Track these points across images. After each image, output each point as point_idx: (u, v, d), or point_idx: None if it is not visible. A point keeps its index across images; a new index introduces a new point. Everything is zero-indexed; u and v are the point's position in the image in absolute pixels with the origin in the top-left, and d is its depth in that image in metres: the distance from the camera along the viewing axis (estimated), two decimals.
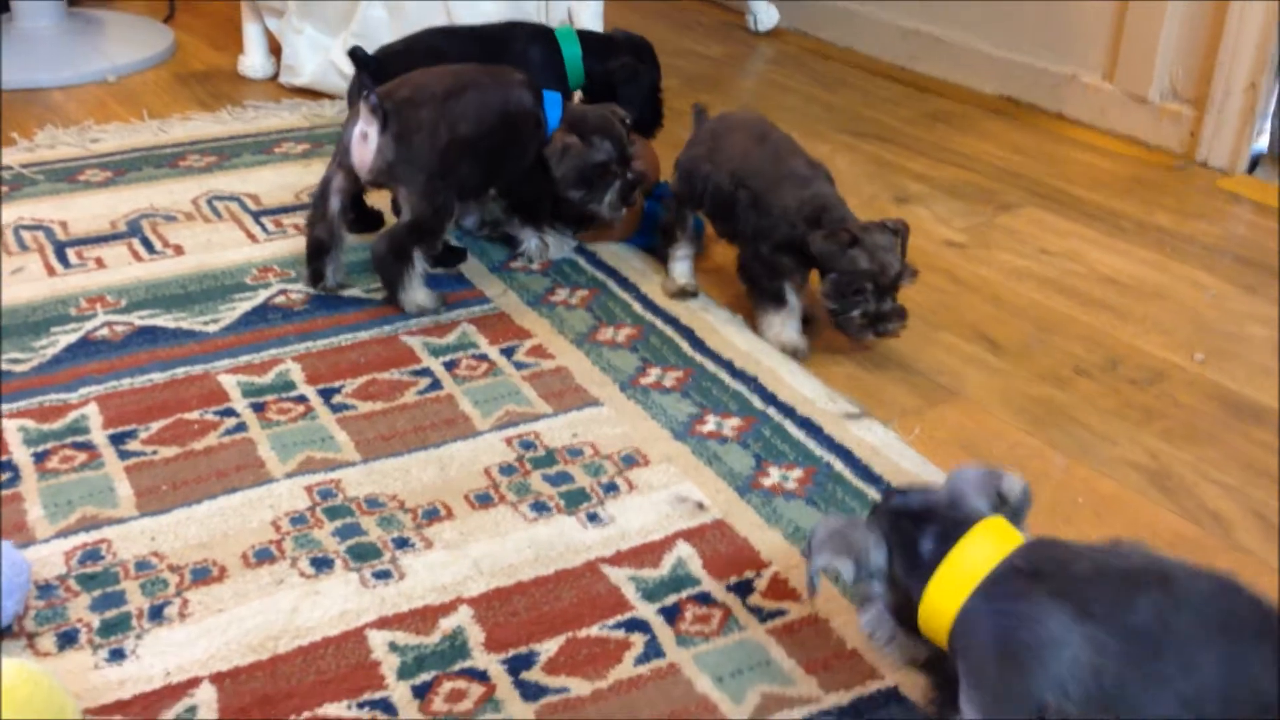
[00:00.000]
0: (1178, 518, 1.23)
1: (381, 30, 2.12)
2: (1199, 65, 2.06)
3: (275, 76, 2.34)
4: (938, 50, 2.49)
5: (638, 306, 1.57)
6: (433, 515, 1.19)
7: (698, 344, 1.49)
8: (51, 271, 1.61)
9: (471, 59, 1.67)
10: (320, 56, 2.23)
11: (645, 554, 1.14)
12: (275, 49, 2.33)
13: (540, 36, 1.79)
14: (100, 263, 1.64)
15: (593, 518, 1.19)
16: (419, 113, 1.50)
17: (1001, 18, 2.36)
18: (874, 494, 1.23)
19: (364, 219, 1.62)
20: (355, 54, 1.63)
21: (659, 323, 1.54)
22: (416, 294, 1.53)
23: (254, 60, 2.35)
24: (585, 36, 1.81)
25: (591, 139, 1.59)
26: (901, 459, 1.29)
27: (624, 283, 1.63)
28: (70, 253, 1.66)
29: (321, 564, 1.11)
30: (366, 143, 1.50)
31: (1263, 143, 2.03)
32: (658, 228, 1.66)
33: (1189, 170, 2.06)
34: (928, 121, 2.28)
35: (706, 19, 2.88)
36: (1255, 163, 2.04)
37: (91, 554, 1.12)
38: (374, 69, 1.63)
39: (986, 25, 2.40)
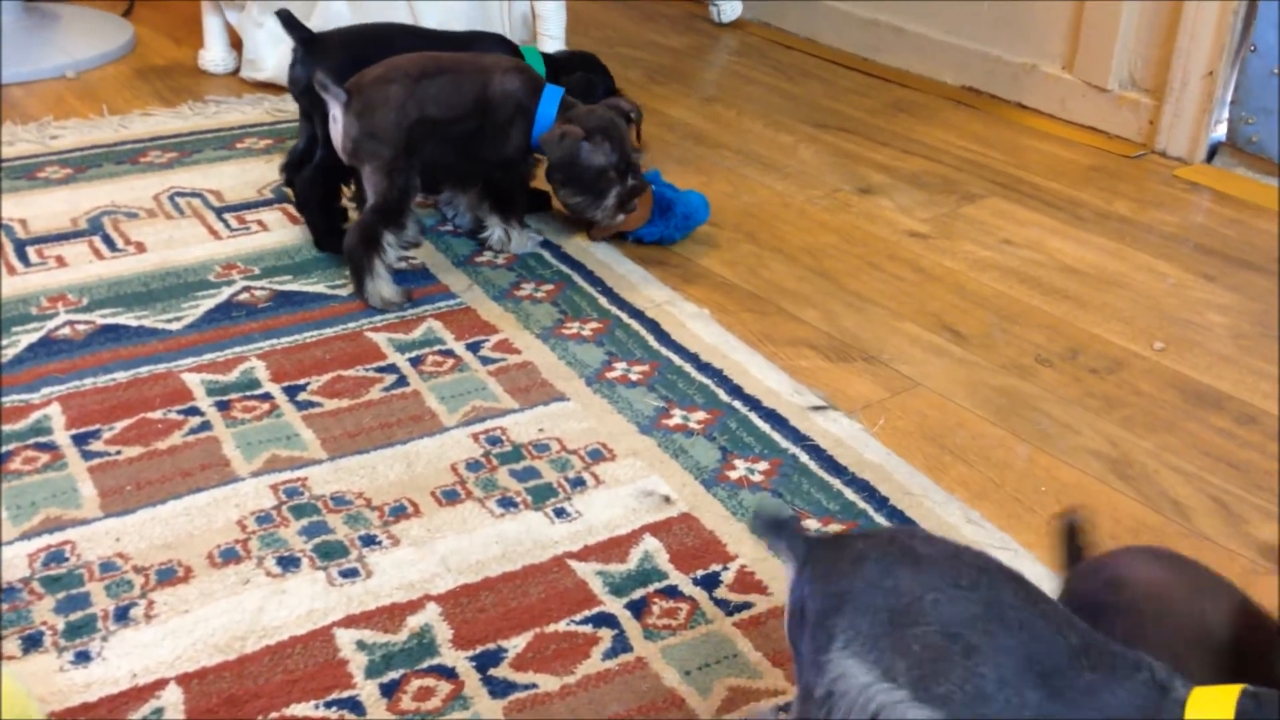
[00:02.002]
0: (1139, 505, 1.24)
1: (342, 25, 2.10)
2: (1157, 54, 2.08)
3: (237, 71, 2.32)
4: (899, 41, 2.50)
5: (603, 300, 1.58)
6: (400, 512, 1.19)
7: (663, 337, 1.50)
8: (12, 270, 1.60)
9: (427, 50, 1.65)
10: (282, 50, 2.21)
11: (612, 548, 1.15)
12: (236, 43, 2.32)
13: (502, 45, 1.77)
14: (61, 261, 1.63)
15: (560, 513, 1.19)
16: (387, 89, 1.50)
17: (962, 8, 2.38)
18: (839, 485, 1.24)
19: (335, 234, 1.62)
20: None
21: (625, 316, 1.54)
22: (382, 287, 1.53)
23: (215, 55, 2.34)
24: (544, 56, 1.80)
25: (594, 138, 1.56)
26: (866, 450, 1.30)
27: (589, 276, 1.63)
28: (30, 251, 1.65)
29: (288, 563, 1.11)
30: (336, 125, 1.52)
31: (1221, 131, 2.06)
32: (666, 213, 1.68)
33: (1148, 159, 2.08)
34: (890, 112, 2.29)
35: (669, 10, 2.88)
36: (1213, 151, 2.06)
37: (55, 556, 1.11)
38: (307, 39, 1.61)
39: (947, 15, 2.41)
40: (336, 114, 1.51)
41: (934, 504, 1.21)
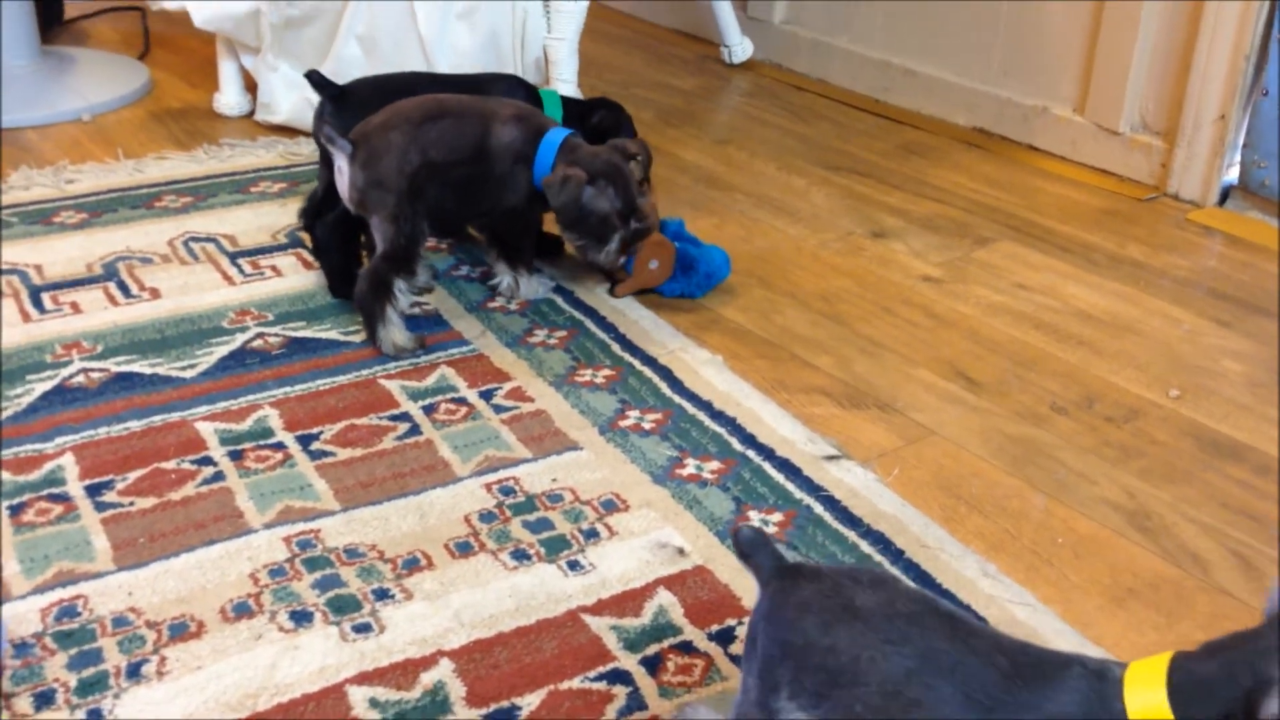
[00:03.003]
0: (1158, 559, 1.23)
1: (356, 68, 2.12)
2: (1169, 98, 2.09)
3: (251, 114, 2.33)
4: (910, 82, 2.51)
5: (616, 347, 1.57)
6: (413, 565, 1.18)
7: (676, 385, 1.49)
8: (26, 317, 1.60)
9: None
10: (296, 94, 2.22)
11: (626, 602, 1.14)
12: (251, 86, 2.33)
13: (521, 88, 1.78)
14: (76, 307, 1.63)
15: (573, 565, 1.19)
16: (389, 136, 1.51)
17: (973, 50, 2.39)
18: (854, 538, 1.23)
19: (351, 281, 1.62)
20: (312, 77, 1.63)
21: (637, 363, 1.54)
22: (395, 334, 1.53)
23: (229, 98, 2.35)
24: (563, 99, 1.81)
25: (597, 183, 1.55)
26: (881, 501, 1.29)
27: (602, 322, 1.63)
28: (45, 297, 1.65)
29: (301, 617, 1.11)
30: (342, 176, 1.52)
31: (1233, 175, 2.06)
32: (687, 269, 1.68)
33: (1160, 202, 2.08)
34: (902, 154, 2.29)
35: (681, 52, 2.90)
36: (1226, 195, 2.06)
37: (68, 610, 1.11)
38: (336, 95, 1.63)
39: (958, 57, 2.42)
40: (342, 165, 1.51)
41: (950, 557, 1.20)
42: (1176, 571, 1.22)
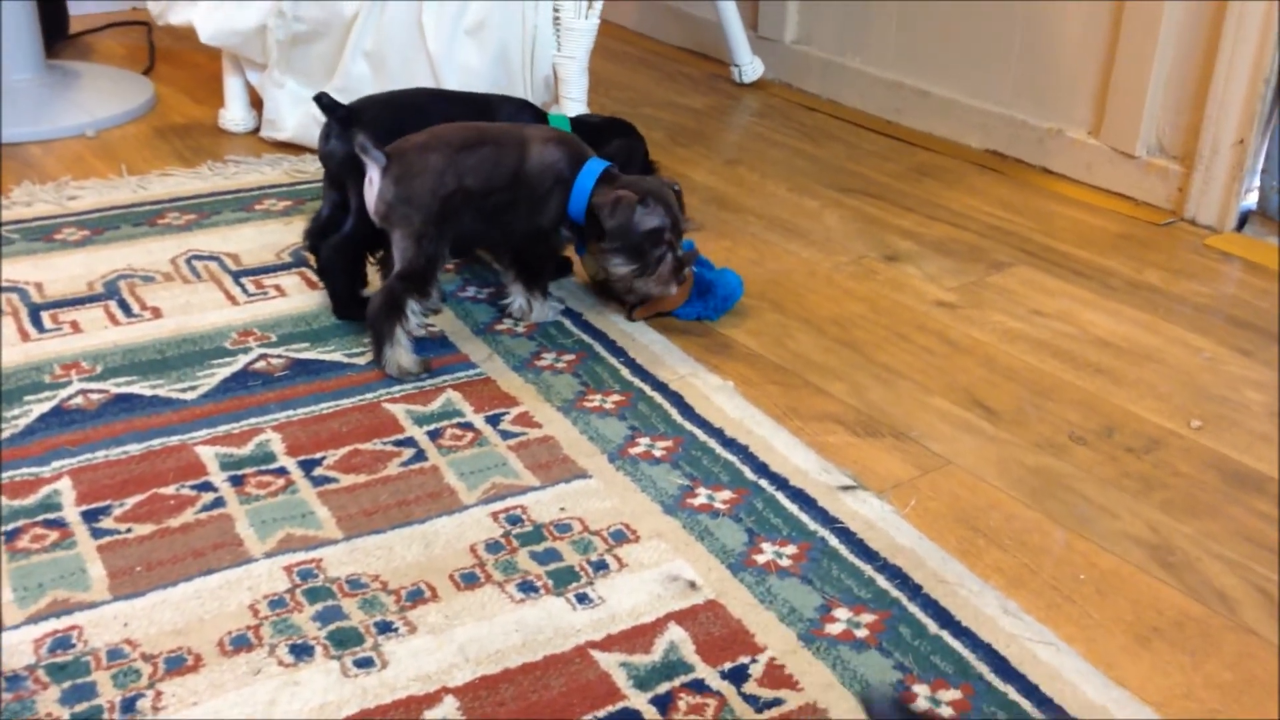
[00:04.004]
0: (1182, 596, 1.20)
1: (364, 85, 2.09)
2: (1186, 121, 2.06)
3: (257, 130, 2.31)
4: (923, 103, 2.48)
5: (626, 372, 1.54)
6: (417, 597, 1.15)
7: (687, 411, 1.46)
8: (26, 336, 1.58)
9: (460, 118, 1.64)
10: (302, 111, 2.20)
11: (636, 637, 1.11)
12: (257, 102, 2.31)
13: (528, 111, 1.76)
14: (76, 326, 1.60)
15: (582, 598, 1.15)
16: (427, 157, 1.49)
17: (986, 71, 2.36)
18: (870, 571, 1.20)
19: (362, 304, 1.60)
20: (321, 99, 1.61)
21: (648, 389, 1.51)
22: (401, 356, 1.50)
23: (235, 114, 2.33)
24: (574, 121, 1.78)
25: (646, 202, 1.52)
26: (897, 534, 1.26)
27: (611, 346, 1.60)
28: (45, 316, 1.63)
29: (301, 651, 1.07)
30: (372, 187, 1.50)
31: (1252, 200, 2.03)
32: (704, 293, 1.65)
33: (1177, 227, 2.05)
34: (915, 176, 2.27)
35: (691, 71, 2.87)
36: (1244, 220, 2.03)
37: (62, 642, 1.08)
38: (344, 116, 1.61)
39: (971, 78, 2.39)
40: (374, 176, 1.49)
41: (969, 593, 1.17)
42: (1201, 610, 1.18)
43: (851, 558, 1.22)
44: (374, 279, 1.65)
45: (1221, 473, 1.39)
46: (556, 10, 2.03)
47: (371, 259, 1.65)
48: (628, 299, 1.66)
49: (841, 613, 1.14)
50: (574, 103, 2.08)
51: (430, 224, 1.49)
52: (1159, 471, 1.39)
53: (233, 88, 2.32)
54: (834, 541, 1.24)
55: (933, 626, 1.13)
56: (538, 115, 1.75)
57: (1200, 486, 1.37)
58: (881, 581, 1.19)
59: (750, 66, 2.76)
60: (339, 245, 1.62)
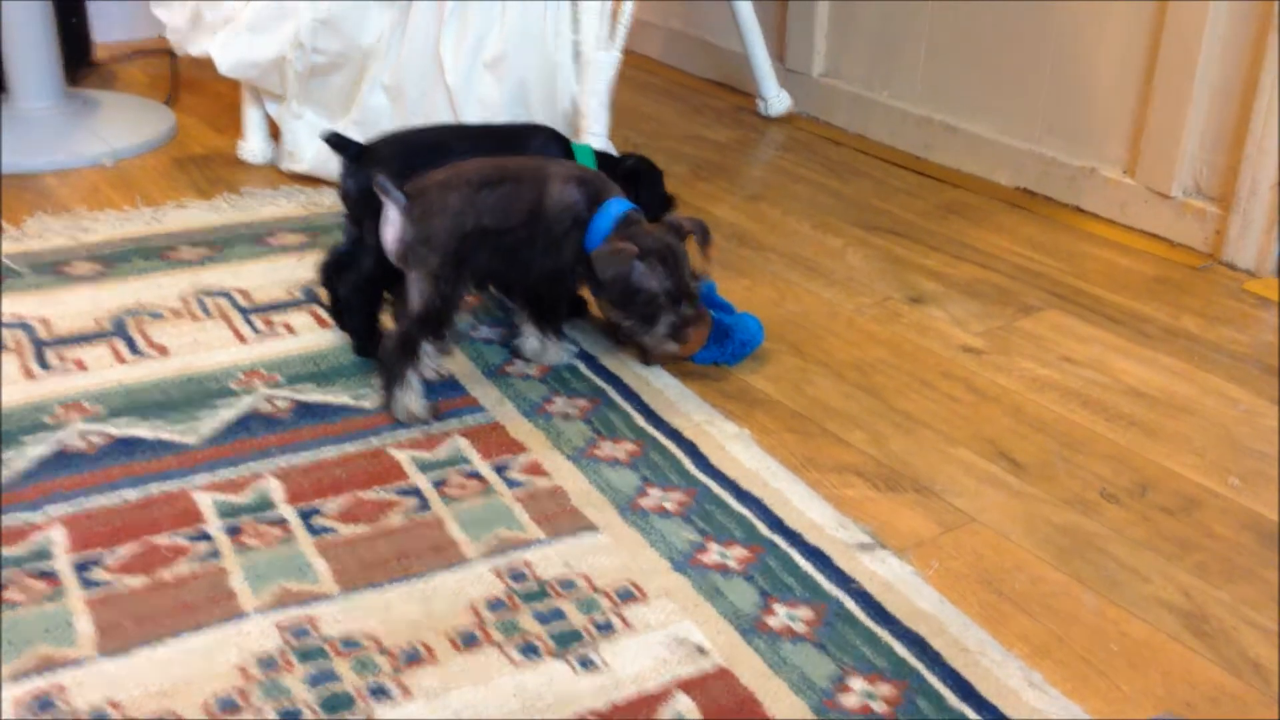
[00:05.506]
0: (1217, 668, 1.14)
1: (382, 118, 2.07)
2: (1224, 162, 2.00)
3: (275, 162, 2.29)
4: (952, 139, 2.43)
5: (639, 419, 1.50)
6: (413, 658, 1.10)
7: (701, 462, 1.41)
8: (29, 374, 1.55)
9: (481, 155, 1.61)
10: (320, 142, 2.17)
11: (641, 707, 1.06)
12: (276, 133, 2.29)
13: (556, 142, 1.72)
14: (80, 365, 1.57)
15: (585, 662, 1.11)
16: (447, 197, 1.45)
17: (1017, 107, 2.31)
18: (887, 638, 1.14)
19: (376, 341, 1.57)
20: (331, 139, 1.58)
21: (661, 437, 1.46)
22: (410, 400, 1.46)
23: (253, 145, 2.31)
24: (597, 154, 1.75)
25: (648, 259, 1.47)
26: (917, 597, 1.20)
27: (625, 391, 1.56)
28: (50, 353, 1.60)
29: (289, 717, 1.03)
30: (391, 227, 1.46)
31: None
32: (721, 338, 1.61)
33: (1214, 270, 1.99)
34: (942, 214, 2.21)
35: (716, 103, 2.83)
36: None
37: (45, 703, 1.04)
38: (356, 153, 1.57)
39: (1002, 114, 2.34)
40: (394, 216, 1.45)
41: (992, 663, 1.11)
42: (1237, 683, 1.12)
43: (868, 622, 1.16)
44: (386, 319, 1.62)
45: (1258, 534, 1.33)
46: (578, 43, 2.00)
47: (389, 296, 1.62)
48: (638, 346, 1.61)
49: (856, 682, 1.09)
50: (596, 138, 2.04)
51: (448, 264, 1.45)
52: (1194, 532, 1.33)
53: (251, 119, 2.30)
54: (850, 604, 1.19)
55: (953, 699, 1.07)
56: (565, 146, 1.72)
57: (1237, 550, 1.30)
58: (900, 649, 1.13)
59: (777, 99, 2.72)
60: (359, 284, 1.58)
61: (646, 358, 1.62)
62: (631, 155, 1.78)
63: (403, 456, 1.40)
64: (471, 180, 1.47)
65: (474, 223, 1.46)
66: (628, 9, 2.03)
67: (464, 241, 1.45)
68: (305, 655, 1.10)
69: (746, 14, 2.63)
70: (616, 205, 1.51)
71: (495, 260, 1.49)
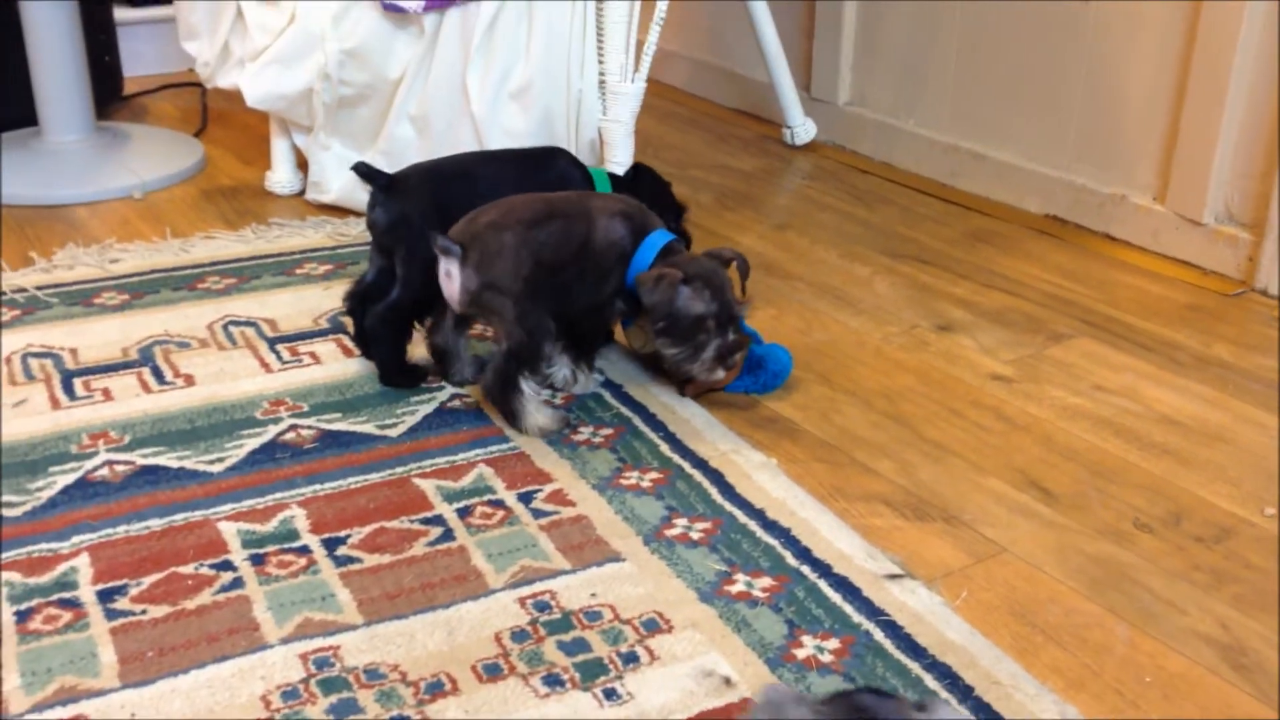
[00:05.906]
0: (1255, 701, 1.11)
1: (409, 149, 2.08)
2: (1256, 188, 1.98)
3: (302, 192, 2.30)
4: (979, 166, 2.42)
5: (665, 447, 1.49)
6: (436, 690, 1.09)
7: (728, 491, 1.40)
8: (56, 404, 1.55)
9: (506, 181, 1.62)
10: (347, 173, 2.18)
11: None
12: (303, 164, 2.30)
13: (576, 166, 1.74)
14: (107, 394, 1.58)
15: (610, 694, 1.09)
16: (502, 237, 1.46)
17: (1046, 134, 2.29)
18: (918, 670, 1.12)
19: (408, 373, 1.60)
20: (359, 169, 1.59)
21: (687, 466, 1.45)
22: (538, 419, 1.49)
23: (281, 176, 2.32)
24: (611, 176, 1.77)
25: (693, 284, 1.47)
26: (947, 628, 1.18)
27: (651, 420, 1.55)
28: (77, 383, 1.60)
29: None
30: (451, 280, 1.47)
31: None
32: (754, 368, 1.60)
33: (1247, 298, 1.97)
34: (970, 242, 2.20)
35: (741, 132, 2.83)
36: None
37: None
38: (386, 185, 1.59)
39: (1030, 141, 2.33)
40: (452, 270, 1.47)
41: (1025, 697, 1.09)
42: (1276, 717, 1.10)
43: (898, 654, 1.15)
44: (419, 347, 1.63)
45: None
46: (602, 74, 2.00)
47: (418, 326, 1.62)
48: (676, 376, 1.60)
49: None
50: (620, 168, 2.04)
51: (523, 302, 1.47)
52: (1230, 563, 1.31)
53: (279, 150, 2.31)
54: (879, 635, 1.17)
55: None
56: (583, 170, 1.74)
57: (1273, 580, 1.28)
58: (930, 681, 1.11)
59: (802, 128, 2.71)
60: (386, 314, 1.59)
61: (684, 388, 1.61)
62: (636, 165, 1.81)
63: (428, 486, 1.40)
64: (523, 219, 1.48)
65: (532, 260, 1.47)
66: (651, 40, 2.03)
67: (529, 281, 1.47)
68: (328, 686, 1.09)
69: (772, 43, 2.63)
70: (659, 237, 1.52)
71: (553, 296, 1.50)
